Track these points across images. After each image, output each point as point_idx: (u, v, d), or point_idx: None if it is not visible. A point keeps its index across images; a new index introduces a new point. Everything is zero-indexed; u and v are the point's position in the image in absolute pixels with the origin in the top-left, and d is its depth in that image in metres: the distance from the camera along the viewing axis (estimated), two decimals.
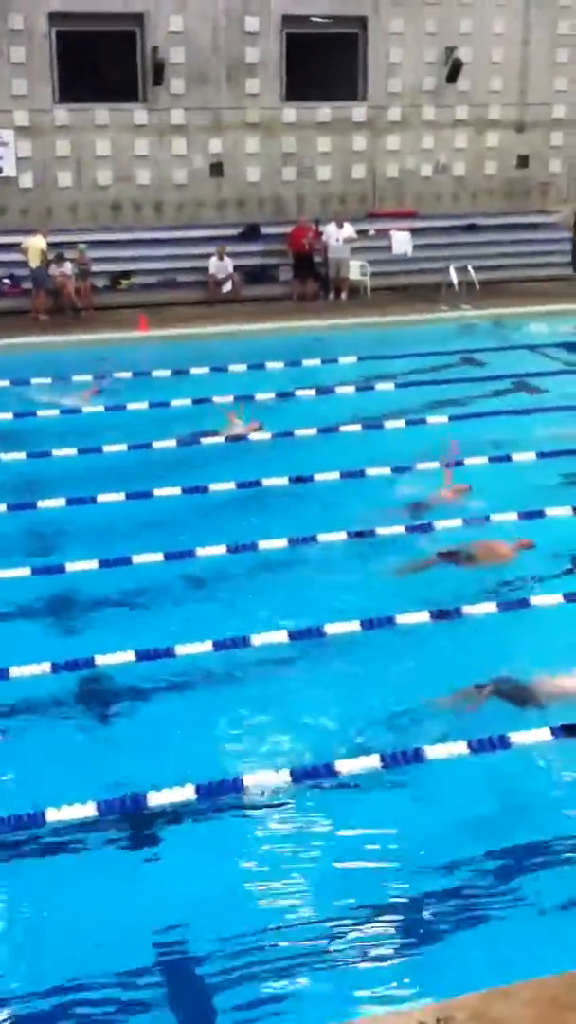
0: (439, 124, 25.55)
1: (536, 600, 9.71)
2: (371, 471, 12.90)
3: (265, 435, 14.32)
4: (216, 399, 15.71)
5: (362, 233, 23.94)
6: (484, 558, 10.61)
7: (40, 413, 15.43)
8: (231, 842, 7.01)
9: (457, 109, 25.58)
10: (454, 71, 24.98)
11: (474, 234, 25.13)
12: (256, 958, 6.03)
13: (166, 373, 17.31)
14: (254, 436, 14.32)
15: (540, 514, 11.53)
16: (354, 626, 9.14)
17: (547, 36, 25.77)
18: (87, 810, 6.93)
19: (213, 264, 22.90)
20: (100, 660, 8.65)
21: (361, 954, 6.04)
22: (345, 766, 7.34)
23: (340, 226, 23.22)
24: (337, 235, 23.18)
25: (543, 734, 7.61)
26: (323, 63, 24.69)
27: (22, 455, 13.64)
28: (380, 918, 6.31)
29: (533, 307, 22.35)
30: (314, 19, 24.29)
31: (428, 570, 10.52)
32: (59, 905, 6.38)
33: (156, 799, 7.05)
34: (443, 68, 25.08)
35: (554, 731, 7.60)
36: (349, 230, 23.26)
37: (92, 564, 10.31)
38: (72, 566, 10.31)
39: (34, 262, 21.31)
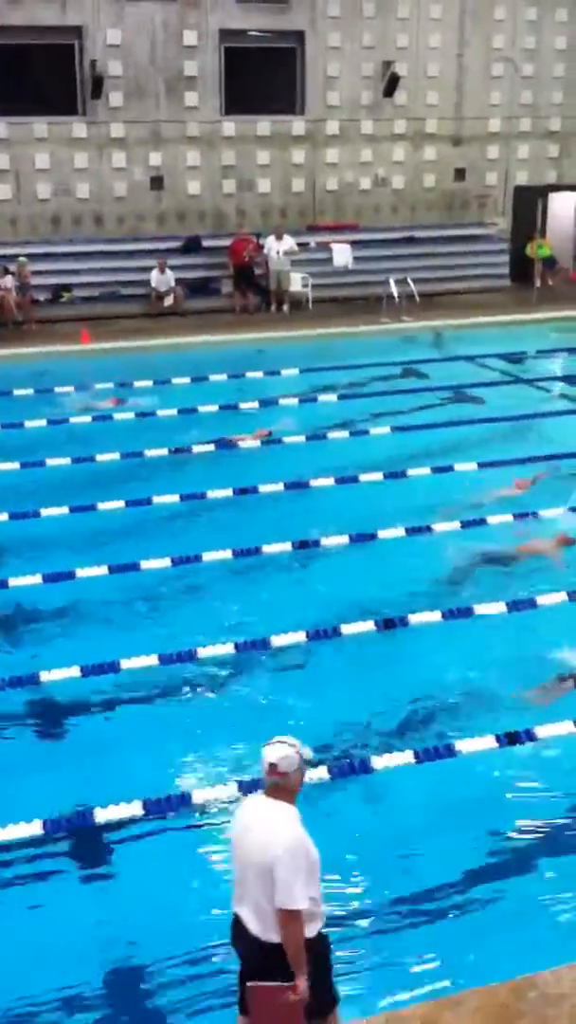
0: (377, 137, 25.76)
1: None
2: (315, 482, 12.95)
3: (209, 447, 14.34)
4: (160, 412, 15.71)
5: (303, 246, 24.05)
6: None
7: None
8: (180, 857, 6.99)
9: (395, 123, 25.82)
10: (391, 85, 25.22)
11: (413, 246, 25.33)
12: (206, 973, 6.01)
13: (109, 386, 17.24)
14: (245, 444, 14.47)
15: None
16: (300, 636, 9.17)
17: (482, 51, 26.11)
18: (33, 828, 6.87)
19: (155, 277, 22.87)
20: (45, 676, 8.59)
21: None
22: None
23: (280, 239, 23.30)
24: (277, 248, 23.25)
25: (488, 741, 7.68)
26: (262, 77, 24.79)
27: None
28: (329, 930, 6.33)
29: (473, 318, 22.59)
30: (252, 33, 24.39)
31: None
32: (4, 925, 6.31)
33: (104, 815, 7.01)
34: (380, 82, 25.30)
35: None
36: (289, 243, 23.35)
37: (35, 579, 10.23)
38: (15, 581, 10.23)
39: None
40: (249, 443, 14.59)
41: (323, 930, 4.97)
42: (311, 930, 4.83)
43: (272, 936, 4.78)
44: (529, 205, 25.91)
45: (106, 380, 17.33)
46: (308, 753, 4.88)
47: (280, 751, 4.83)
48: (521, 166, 27.25)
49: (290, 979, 4.76)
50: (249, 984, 4.88)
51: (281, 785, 4.83)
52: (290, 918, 4.70)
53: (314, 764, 4.68)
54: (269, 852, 4.70)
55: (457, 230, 26.25)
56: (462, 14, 25.68)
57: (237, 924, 4.96)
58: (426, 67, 25.69)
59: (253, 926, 4.83)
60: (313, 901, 4.81)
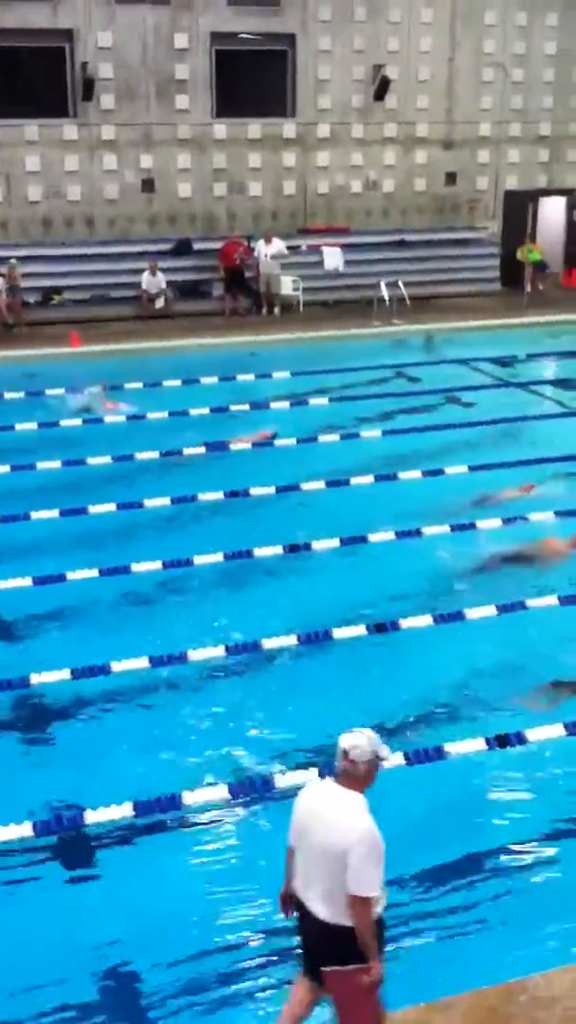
0: (368, 141, 25.81)
1: None
2: (306, 485, 12.96)
3: (200, 449, 14.33)
4: (150, 415, 15.71)
5: (293, 249, 24.07)
6: (541, 556, 10.93)
7: None
8: (171, 859, 6.98)
9: (386, 126, 25.86)
10: (382, 89, 25.26)
11: (404, 250, 25.37)
12: (197, 977, 6.01)
13: (98, 389, 17.20)
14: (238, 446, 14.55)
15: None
16: (291, 640, 9.18)
17: (473, 55, 26.18)
18: (23, 830, 6.86)
19: (145, 279, 22.85)
20: (35, 678, 8.58)
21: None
22: (283, 780, 7.35)
23: (268, 242, 23.32)
24: (266, 251, 23.27)
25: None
26: (253, 80, 24.82)
27: None
28: None
29: (463, 322, 22.63)
30: (243, 36, 24.42)
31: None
32: None
33: (94, 817, 7.00)
34: (371, 86, 25.35)
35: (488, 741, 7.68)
36: (278, 246, 23.35)
37: (26, 581, 10.22)
38: (3, 584, 10.22)
39: None
40: (252, 442, 14.69)
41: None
42: (374, 913, 4.96)
43: (342, 920, 4.91)
44: (519, 209, 25.98)
45: (97, 384, 17.30)
46: (384, 751, 5.02)
47: (355, 740, 4.97)
48: (511, 170, 27.32)
49: (362, 962, 4.90)
50: (324, 969, 5.02)
51: (351, 773, 4.95)
52: (363, 904, 4.85)
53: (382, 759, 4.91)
54: (342, 839, 4.82)
55: (448, 234, 26.31)
56: (453, 18, 25.75)
57: (301, 909, 5.07)
58: (417, 71, 25.75)
59: (321, 911, 4.95)
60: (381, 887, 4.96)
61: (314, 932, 5.02)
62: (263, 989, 5.93)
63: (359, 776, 4.96)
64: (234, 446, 14.60)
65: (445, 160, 26.60)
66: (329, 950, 4.96)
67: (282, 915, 5.30)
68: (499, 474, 13.47)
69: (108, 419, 15.72)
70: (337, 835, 4.83)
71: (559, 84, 27.16)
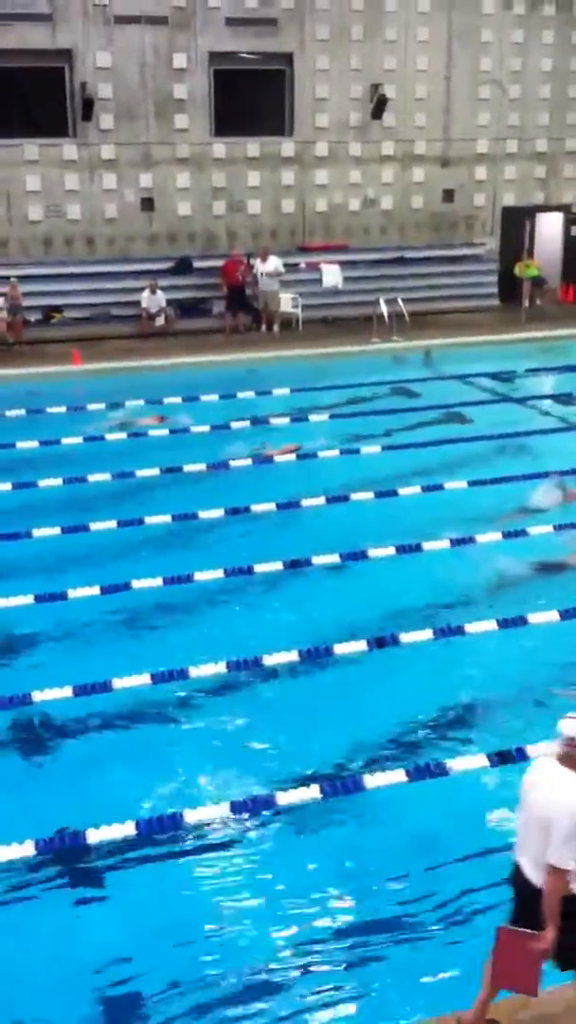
0: (366, 159, 25.93)
1: None
2: (306, 502, 13.00)
3: (200, 467, 14.37)
4: (151, 433, 15.75)
5: (292, 267, 24.17)
6: None
7: None
8: (173, 877, 6.99)
9: (383, 144, 25.99)
10: (379, 107, 25.40)
11: (403, 267, 25.48)
12: (200, 996, 6.01)
13: (100, 406, 17.28)
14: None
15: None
16: (293, 656, 9.19)
17: (469, 73, 26.33)
18: (25, 849, 6.86)
19: (145, 298, 22.95)
20: (37, 696, 8.59)
21: (305, 990, 6.04)
22: (285, 798, 7.35)
23: (265, 260, 23.41)
24: (262, 269, 23.37)
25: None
26: (251, 99, 24.96)
27: None
28: (323, 951, 6.33)
29: (462, 338, 22.70)
30: (241, 55, 24.57)
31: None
32: None
33: (96, 836, 7.00)
34: (369, 104, 25.49)
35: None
36: (274, 263, 23.43)
37: (28, 599, 10.24)
38: (5, 602, 10.23)
39: None
40: (280, 455, 15.01)
41: None
42: (568, 887, 5.25)
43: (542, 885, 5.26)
44: (517, 226, 26.11)
45: (98, 401, 17.36)
46: None
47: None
48: (508, 187, 27.44)
49: (542, 929, 5.19)
50: (498, 927, 5.33)
51: (571, 755, 5.31)
52: (557, 875, 5.20)
53: None
54: (551, 811, 5.21)
55: (446, 250, 26.40)
56: (449, 37, 25.91)
57: (517, 870, 5.45)
58: (414, 89, 25.90)
59: (532, 874, 5.34)
60: None
61: (522, 891, 5.42)
62: (268, 1007, 5.93)
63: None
64: (265, 454, 14.99)
65: (442, 177, 26.73)
66: (531, 911, 5.29)
67: None
68: (500, 488, 13.50)
69: (109, 437, 15.76)
70: (549, 807, 5.23)
71: (555, 101, 27.30)
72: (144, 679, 8.78)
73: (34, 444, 15.42)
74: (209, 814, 7.28)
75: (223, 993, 6.02)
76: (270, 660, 9.13)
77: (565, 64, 27.13)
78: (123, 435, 15.85)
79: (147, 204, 24.37)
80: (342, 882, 6.85)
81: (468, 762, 7.71)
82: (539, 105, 27.22)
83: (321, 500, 13.07)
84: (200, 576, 10.79)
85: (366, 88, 25.42)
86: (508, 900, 5.59)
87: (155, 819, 7.15)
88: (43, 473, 13.87)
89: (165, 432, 15.90)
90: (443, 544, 11.60)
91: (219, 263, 23.69)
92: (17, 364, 20.36)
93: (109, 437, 15.83)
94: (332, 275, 24.63)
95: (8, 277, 21.93)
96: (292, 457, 14.99)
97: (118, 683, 8.69)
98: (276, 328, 23.60)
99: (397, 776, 7.50)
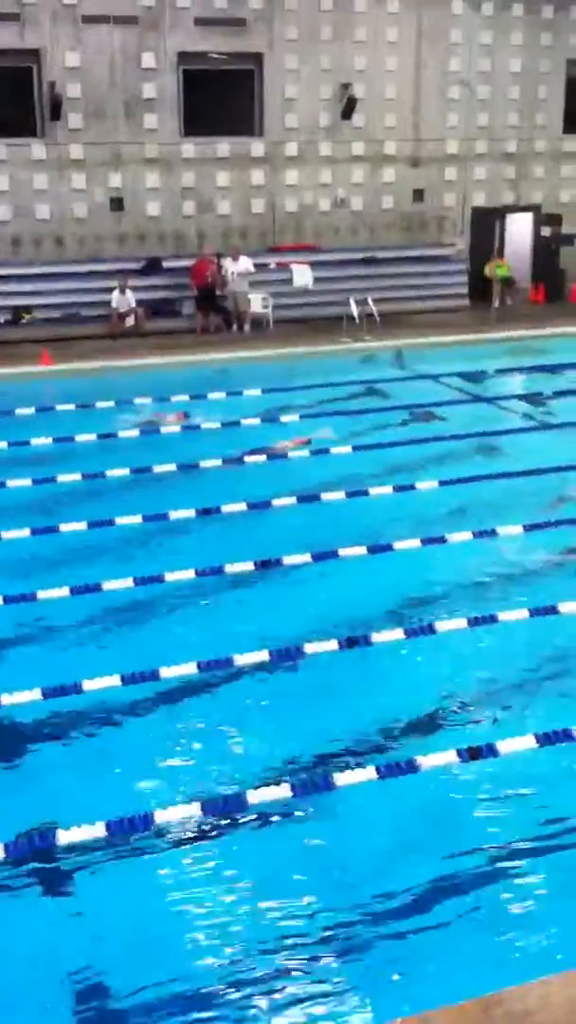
0: (336, 159, 25.97)
1: None
2: (277, 502, 12.97)
3: (170, 467, 14.32)
4: (121, 433, 15.68)
5: (263, 267, 24.16)
6: None
7: None
8: (144, 879, 6.94)
9: (353, 144, 26.04)
10: (349, 107, 25.44)
11: (373, 267, 25.53)
12: (174, 999, 5.97)
13: (70, 407, 17.19)
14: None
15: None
16: (263, 655, 9.16)
17: (438, 73, 26.43)
18: None
19: (115, 298, 22.88)
20: (6, 699, 8.52)
21: (278, 990, 6.02)
22: (256, 796, 7.33)
23: (236, 260, 23.41)
24: (233, 269, 23.36)
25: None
26: (220, 99, 24.94)
27: None
28: (298, 951, 6.31)
29: (433, 338, 22.76)
30: (210, 55, 24.54)
31: None
32: None
33: (66, 837, 6.95)
34: (338, 104, 25.53)
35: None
36: (244, 263, 23.44)
37: None
38: None
39: None
40: (289, 448, 15.25)
41: None
42: None
43: None
44: (487, 226, 26.23)
45: (68, 402, 17.28)
46: None
47: None
48: (478, 187, 27.56)
49: None
50: None
51: None
52: None
53: None
54: None
55: (416, 251, 26.50)
56: (418, 37, 25.99)
57: None
58: (384, 89, 25.97)
59: None
60: None
61: None
62: (243, 1008, 5.90)
63: None
64: (278, 448, 15.20)
65: (413, 177, 26.81)
66: None
67: None
68: (472, 487, 13.54)
69: (79, 438, 15.69)
70: None
71: (524, 102, 27.45)
72: (114, 680, 8.72)
73: (3, 445, 15.33)
74: (180, 814, 7.24)
75: (196, 994, 5.98)
76: (241, 660, 9.09)
77: (534, 65, 27.29)
78: (92, 436, 15.77)
79: (116, 204, 24.31)
80: (314, 880, 6.83)
81: (438, 759, 7.70)
82: (508, 106, 27.36)
83: (292, 500, 13.05)
84: (171, 576, 10.74)
85: (336, 88, 25.47)
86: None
87: (126, 820, 7.10)
88: (12, 474, 13.78)
89: (135, 433, 15.82)
90: (414, 543, 11.61)
91: (189, 263, 23.68)
92: None
93: (78, 438, 15.75)
94: (303, 275, 24.65)
95: None
96: (306, 452, 15.22)
97: (88, 684, 8.63)
98: (247, 328, 23.59)
99: (368, 774, 7.48)
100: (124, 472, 14.08)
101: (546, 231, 27.51)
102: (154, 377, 19.37)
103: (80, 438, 15.72)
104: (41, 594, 10.26)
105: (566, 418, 17.52)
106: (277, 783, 7.49)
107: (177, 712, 8.80)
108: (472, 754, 7.69)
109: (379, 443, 15.79)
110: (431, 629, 9.69)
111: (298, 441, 15.39)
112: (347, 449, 15.39)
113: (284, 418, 17.08)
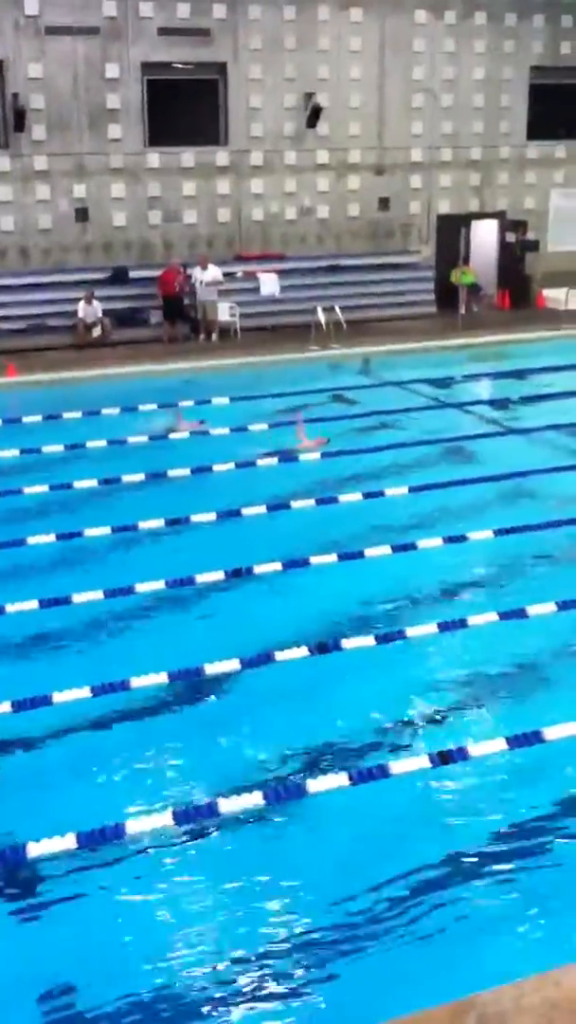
0: (301, 168, 26.02)
1: None
2: (247, 511, 12.96)
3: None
4: (89, 443, 15.62)
5: (230, 275, 24.18)
6: None
7: None
8: (116, 889, 6.90)
9: (318, 153, 26.10)
10: (314, 116, 25.51)
11: (339, 275, 25.60)
12: (147, 1010, 5.93)
13: (37, 419, 17.10)
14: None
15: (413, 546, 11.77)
16: (234, 664, 9.14)
17: (402, 82, 26.53)
18: None
19: (82, 308, 22.82)
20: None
21: (251, 998, 6.00)
22: (227, 805, 7.30)
23: (204, 268, 23.43)
24: (201, 277, 23.38)
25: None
26: (185, 109, 24.93)
27: None
28: (271, 958, 6.29)
29: (400, 345, 22.85)
30: (174, 65, 24.54)
31: None
32: None
33: (37, 850, 6.90)
34: (303, 113, 25.59)
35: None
36: (213, 272, 23.47)
37: None
38: None
39: None
40: (310, 447, 15.50)
41: None
42: None
43: None
44: (452, 233, 26.39)
45: (35, 414, 17.18)
46: None
47: None
48: (443, 195, 27.68)
49: None
50: None
51: None
52: None
53: None
54: None
55: (382, 258, 26.57)
56: (382, 46, 26.09)
57: None
58: (348, 98, 26.04)
59: None
60: None
61: None
62: (220, 1018, 5.87)
63: None
64: (299, 447, 15.47)
65: (378, 185, 26.89)
66: None
67: None
68: (443, 493, 13.58)
69: (46, 449, 15.61)
70: None
71: (488, 109, 27.60)
72: (84, 692, 8.67)
73: None
74: (151, 824, 7.21)
75: (170, 1004, 5.95)
76: (211, 669, 9.07)
77: (497, 72, 27.45)
78: (60, 447, 15.70)
79: (81, 214, 24.24)
80: (288, 888, 6.81)
81: (409, 764, 7.71)
82: (472, 114, 27.50)
83: (262, 508, 13.03)
84: (141, 587, 10.70)
85: (300, 97, 25.52)
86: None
87: (96, 831, 7.06)
88: None
89: (103, 443, 15.77)
90: (384, 550, 11.62)
91: (155, 273, 23.65)
92: None
93: (45, 449, 15.68)
94: (270, 284, 24.69)
95: None
96: (317, 455, 15.35)
97: (58, 696, 8.58)
98: (214, 337, 23.59)
99: (340, 780, 7.47)
100: (93, 483, 14.03)
101: (511, 237, 27.70)
102: (122, 387, 19.29)
103: (46, 449, 15.64)
104: (9, 607, 10.20)
105: (532, 423, 17.61)
106: (249, 791, 7.47)
107: (148, 724, 8.78)
108: (443, 758, 7.71)
109: (346, 450, 15.81)
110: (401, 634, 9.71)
111: (320, 441, 15.59)
112: (316, 456, 15.39)
113: (252, 427, 17.06)
